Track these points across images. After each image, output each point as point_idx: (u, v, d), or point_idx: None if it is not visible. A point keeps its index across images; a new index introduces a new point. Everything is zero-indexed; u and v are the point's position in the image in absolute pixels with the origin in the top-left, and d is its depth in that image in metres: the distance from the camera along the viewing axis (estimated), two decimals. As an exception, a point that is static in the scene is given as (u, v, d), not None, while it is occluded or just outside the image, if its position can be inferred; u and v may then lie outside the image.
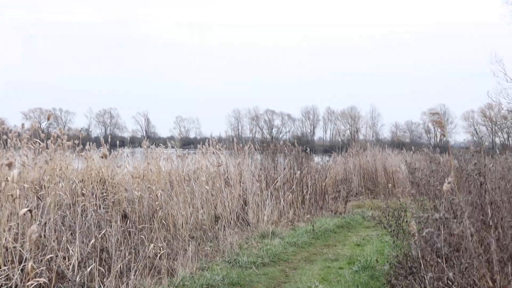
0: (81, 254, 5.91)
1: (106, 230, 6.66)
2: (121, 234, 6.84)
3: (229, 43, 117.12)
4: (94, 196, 8.41)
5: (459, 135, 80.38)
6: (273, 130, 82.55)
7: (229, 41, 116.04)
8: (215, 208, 9.86)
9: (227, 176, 10.79)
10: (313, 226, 9.75)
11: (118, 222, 7.10)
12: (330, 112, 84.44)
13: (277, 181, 10.93)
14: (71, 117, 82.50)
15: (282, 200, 10.75)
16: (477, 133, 78.43)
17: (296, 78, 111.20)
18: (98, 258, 5.89)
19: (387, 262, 6.87)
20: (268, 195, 10.48)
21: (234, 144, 11.89)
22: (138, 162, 10.93)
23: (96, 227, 6.75)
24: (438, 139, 79.75)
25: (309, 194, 11.69)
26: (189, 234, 8.79)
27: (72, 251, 5.91)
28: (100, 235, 6.50)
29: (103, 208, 8.01)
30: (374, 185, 18.49)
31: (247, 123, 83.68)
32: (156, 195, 9.09)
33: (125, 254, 6.27)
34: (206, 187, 9.94)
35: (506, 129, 76.09)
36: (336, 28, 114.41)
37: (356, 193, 16.92)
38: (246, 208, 10.15)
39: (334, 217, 11.46)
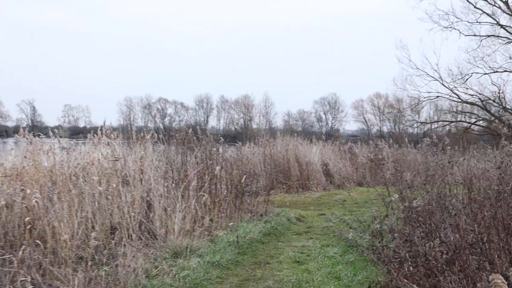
0: None
1: None
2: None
3: (127, 33, 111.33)
4: None
5: (349, 124, 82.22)
6: (165, 119, 79.75)
7: (127, 31, 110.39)
8: (111, 215, 7.59)
9: (126, 174, 8.51)
10: (237, 236, 7.79)
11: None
12: (224, 101, 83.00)
13: (192, 179, 8.81)
14: None
15: (194, 203, 8.65)
16: (366, 122, 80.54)
17: (190, 67, 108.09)
18: None
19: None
20: (178, 196, 8.36)
21: (133, 132, 9.57)
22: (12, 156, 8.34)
23: None
24: (329, 128, 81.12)
25: (227, 193, 9.68)
26: (76, 254, 6.52)
27: None
28: None
29: None
30: (286, 178, 16.87)
31: (139, 112, 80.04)
32: (37, 202, 6.69)
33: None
34: (99, 188, 7.63)
35: (393, 117, 78.82)
36: (231, 17, 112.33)
37: (270, 188, 15.14)
38: (151, 214, 7.96)
39: (257, 221, 9.58)
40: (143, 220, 7.72)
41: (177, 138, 10.35)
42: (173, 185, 8.68)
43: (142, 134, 9.75)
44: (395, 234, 5.95)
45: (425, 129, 64.77)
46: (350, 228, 7.25)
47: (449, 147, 10.02)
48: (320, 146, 19.47)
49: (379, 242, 5.97)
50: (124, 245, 6.84)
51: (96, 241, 6.77)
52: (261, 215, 10.27)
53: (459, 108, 32.47)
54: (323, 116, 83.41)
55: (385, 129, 79.81)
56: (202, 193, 8.91)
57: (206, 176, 9.34)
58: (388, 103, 78.48)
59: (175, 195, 8.40)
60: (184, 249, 6.92)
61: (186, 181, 8.87)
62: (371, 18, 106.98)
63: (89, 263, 6.17)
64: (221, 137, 11.82)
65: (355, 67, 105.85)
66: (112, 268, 6.11)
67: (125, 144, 9.60)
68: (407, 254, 5.32)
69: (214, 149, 10.49)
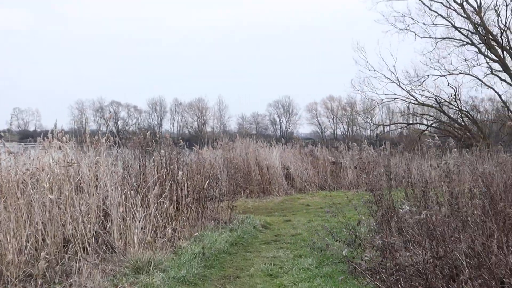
0: None
1: None
2: None
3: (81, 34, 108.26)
4: None
5: (303, 127, 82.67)
6: (119, 122, 78.12)
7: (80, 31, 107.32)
8: (64, 227, 6.86)
9: (80, 180, 7.79)
10: (203, 248, 7.19)
11: None
12: (178, 104, 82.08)
13: (152, 186, 8.14)
14: None
15: (155, 211, 8.00)
16: (320, 124, 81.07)
17: (143, 69, 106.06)
18: None
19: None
20: (137, 204, 7.70)
21: (87, 135, 8.83)
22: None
23: None
24: (284, 131, 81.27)
25: (189, 200, 9.04)
26: (24, 271, 5.81)
27: None
28: None
29: None
30: (247, 183, 16.34)
31: (91, 115, 78.05)
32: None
33: None
34: (51, 196, 6.89)
35: (346, 120, 79.65)
36: (180, 20, 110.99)
37: (234, 193, 14.55)
38: (108, 225, 7.27)
39: (221, 230, 9.00)
40: (100, 231, 7.03)
41: (134, 141, 9.66)
42: (132, 192, 8.02)
43: (96, 137, 9.04)
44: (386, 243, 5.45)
45: (378, 132, 65.48)
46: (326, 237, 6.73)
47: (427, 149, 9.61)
48: (281, 149, 19.02)
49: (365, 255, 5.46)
50: (79, 260, 6.17)
51: (48, 256, 6.07)
52: (225, 223, 9.70)
53: (417, 111, 32.58)
54: (277, 119, 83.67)
55: (338, 131, 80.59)
56: (163, 200, 8.27)
57: (167, 182, 8.70)
58: (341, 106, 79.44)
59: (134, 203, 7.74)
60: (146, 263, 6.28)
61: (146, 188, 8.22)
62: (327, 19, 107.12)
63: (39, 282, 5.49)
64: (181, 140, 11.15)
65: (309, 70, 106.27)
66: (65, 287, 5.44)
67: (78, 148, 8.86)
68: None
69: (175, 152, 9.85)
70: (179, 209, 8.66)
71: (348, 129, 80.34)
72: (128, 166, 8.90)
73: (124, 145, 10.14)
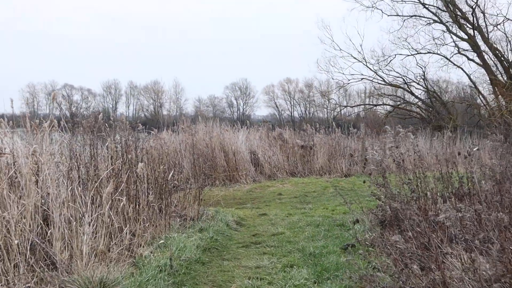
0: None
1: None
2: None
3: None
4: None
5: (260, 109, 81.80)
6: (72, 106, 75.04)
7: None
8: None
9: (15, 173, 6.22)
10: (170, 258, 5.75)
11: None
12: (133, 87, 79.49)
13: (106, 179, 6.63)
14: None
15: (109, 210, 6.50)
16: (277, 107, 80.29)
17: (96, 51, 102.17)
18: None
19: None
20: (87, 202, 6.19)
21: (26, 119, 7.22)
22: None
23: None
24: (241, 113, 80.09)
25: (151, 195, 7.56)
26: None
27: None
28: None
29: None
30: (212, 170, 14.90)
31: (43, 99, 74.62)
32: None
33: None
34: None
35: (303, 102, 79.03)
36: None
37: (203, 184, 13.10)
38: (49, 231, 5.75)
39: (189, 229, 7.59)
40: (37, 240, 5.50)
41: (84, 125, 8.09)
42: (80, 187, 6.50)
43: (37, 121, 7.47)
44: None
45: (335, 114, 65.28)
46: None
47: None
48: (246, 133, 17.63)
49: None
50: (8, 283, 4.67)
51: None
52: (193, 220, 8.28)
53: (385, 91, 31.66)
54: (234, 102, 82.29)
55: (296, 114, 79.98)
56: (119, 197, 6.78)
57: (124, 174, 7.20)
58: (298, 88, 78.77)
59: (82, 201, 6.24)
60: (97, 285, 4.82)
61: (98, 182, 6.71)
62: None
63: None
64: (139, 124, 9.63)
65: (268, 51, 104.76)
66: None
67: (16, 134, 7.28)
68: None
69: (132, 138, 8.35)
70: (138, 207, 7.18)
71: (306, 111, 79.71)
72: (76, 155, 7.36)
73: (72, 131, 8.58)
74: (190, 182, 9.87)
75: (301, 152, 17.46)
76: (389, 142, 6.67)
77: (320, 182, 14.89)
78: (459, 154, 8.79)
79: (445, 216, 3.64)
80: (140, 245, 6.44)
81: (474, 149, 6.05)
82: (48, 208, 6.01)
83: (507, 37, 24.53)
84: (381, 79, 27.98)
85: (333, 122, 20.23)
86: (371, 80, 28.25)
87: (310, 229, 7.97)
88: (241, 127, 18.19)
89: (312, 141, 17.90)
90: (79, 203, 6.18)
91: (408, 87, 27.98)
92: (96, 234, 6.08)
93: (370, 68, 27.72)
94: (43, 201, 6.14)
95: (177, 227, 7.67)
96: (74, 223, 5.84)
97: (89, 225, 5.94)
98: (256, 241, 7.33)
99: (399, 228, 5.69)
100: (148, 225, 7.04)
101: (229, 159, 15.35)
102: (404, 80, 27.56)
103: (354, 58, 27.78)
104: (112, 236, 6.36)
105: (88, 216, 5.99)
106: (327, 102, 53.29)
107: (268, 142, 17.43)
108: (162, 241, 6.50)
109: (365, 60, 27.55)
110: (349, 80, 28.60)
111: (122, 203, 6.74)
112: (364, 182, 6.95)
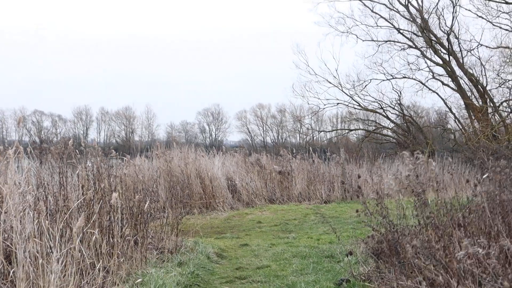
0: None
1: None
2: None
3: None
4: None
5: (232, 135, 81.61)
6: (42, 132, 73.61)
7: None
8: None
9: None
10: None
11: None
12: (104, 113, 78.65)
13: (76, 210, 6.04)
14: None
15: (79, 245, 5.90)
16: (249, 132, 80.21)
17: (67, 76, 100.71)
18: None
19: None
20: (56, 237, 5.59)
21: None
22: None
23: None
24: (213, 139, 79.71)
25: (126, 228, 6.98)
26: None
27: None
28: None
29: None
30: (188, 197, 14.30)
31: (12, 125, 73.06)
32: None
33: None
34: None
35: (275, 128, 79.10)
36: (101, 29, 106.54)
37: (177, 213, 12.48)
38: (12, 270, 5.13)
39: (168, 264, 7.02)
40: (-2, 281, 4.90)
41: (52, 152, 7.51)
42: (48, 219, 5.91)
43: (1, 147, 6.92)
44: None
45: (308, 139, 65.21)
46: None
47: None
48: (223, 158, 17.11)
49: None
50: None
51: None
52: (171, 253, 7.71)
53: (360, 116, 31.58)
54: (207, 127, 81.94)
55: (268, 139, 79.92)
56: (91, 230, 6.20)
57: (96, 204, 6.62)
58: (271, 113, 78.88)
59: (50, 235, 5.65)
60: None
61: (67, 213, 6.13)
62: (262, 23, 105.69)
63: None
64: (112, 150, 9.08)
65: (240, 77, 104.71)
66: None
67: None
68: None
69: (105, 165, 7.79)
70: (112, 239, 6.59)
71: (278, 136, 79.73)
72: (44, 184, 6.77)
73: (41, 158, 7.99)
74: (167, 212, 9.29)
75: (279, 178, 17.00)
76: (408, 170, 6.18)
77: (300, 209, 14.43)
78: (467, 181, 8.34)
79: (466, 252, 3.17)
80: (115, 283, 5.85)
81: (484, 176, 5.59)
82: (11, 244, 5.42)
83: (481, 62, 24.69)
84: (357, 104, 27.87)
85: (310, 147, 19.85)
86: (347, 105, 28.13)
87: (297, 261, 7.47)
88: (217, 153, 17.69)
89: (290, 166, 17.47)
90: (46, 237, 5.59)
91: (384, 111, 27.92)
92: (65, 272, 5.49)
93: (345, 93, 27.61)
94: (5, 235, 5.55)
95: (154, 261, 7.09)
96: (41, 260, 5.25)
97: (58, 262, 5.35)
98: (241, 276, 6.78)
99: (399, 261, 5.23)
100: (123, 260, 6.45)
101: (206, 186, 14.79)
102: (379, 104, 27.50)
103: (330, 82, 27.64)
104: (84, 273, 5.77)
105: (57, 252, 5.41)
106: (300, 127, 53.03)
107: (245, 168, 16.92)
108: (139, 279, 5.90)
109: (340, 85, 27.44)
110: (324, 105, 28.39)
111: (94, 237, 6.16)
112: (357, 211, 6.49)
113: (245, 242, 9.40)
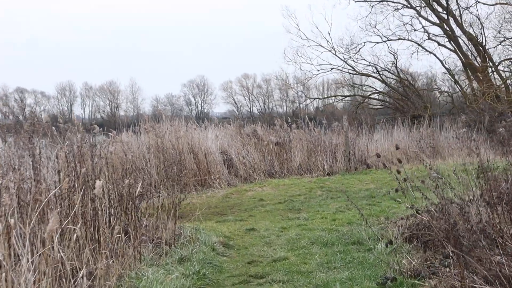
0: None
1: None
2: None
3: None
4: None
5: (218, 106, 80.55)
6: (25, 110, 71.85)
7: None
8: None
9: None
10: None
11: None
12: (88, 88, 77.05)
13: (52, 200, 4.83)
14: None
15: (57, 244, 4.72)
16: (236, 103, 79.16)
17: (47, 52, 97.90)
18: None
19: None
20: (26, 236, 4.41)
21: None
22: None
23: None
24: (199, 111, 78.57)
25: (114, 220, 5.79)
26: None
27: None
28: None
29: None
30: (180, 174, 13.09)
31: (-5, 104, 71.18)
32: None
33: None
34: None
35: (262, 98, 78.08)
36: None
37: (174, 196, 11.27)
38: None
39: (167, 260, 5.87)
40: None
41: (24, 129, 6.25)
42: (17, 215, 4.73)
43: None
44: None
45: (294, 108, 64.68)
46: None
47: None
48: (216, 131, 15.89)
49: None
50: None
51: None
52: (169, 245, 6.55)
53: (355, 81, 30.36)
54: (192, 100, 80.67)
55: (255, 109, 78.93)
56: (73, 226, 5.01)
57: (77, 193, 5.43)
58: (256, 83, 77.76)
59: (19, 235, 4.48)
60: None
61: (41, 206, 4.93)
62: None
63: None
64: (95, 125, 7.84)
65: (225, 47, 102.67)
66: None
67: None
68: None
69: (87, 144, 6.56)
70: (98, 235, 5.42)
71: (265, 106, 78.70)
72: (11, 169, 5.57)
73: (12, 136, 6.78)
74: (161, 194, 8.11)
75: (276, 150, 15.83)
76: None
77: (303, 183, 13.32)
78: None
79: None
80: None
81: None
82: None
83: (479, 20, 23.50)
84: (351, 68, 26.61)
85: (306, 116, 18.69)
86: (341, 70, 26.89)
87: (318, 250, 6.34)
88: (210, 124, 16.46)
89: (288, 137, 16.29)
90: (14, 238, 4.42)
91: (380, 75, 26.70)
92: (39, 282, 4.33)
93: (339, 57, 26.36)
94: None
95: (150, 257, 5.94)
96: (6, 266, 4.09)
97: (28, 270, 4.19)
98: (256, 273, 5.60)
99: (463, 252, 4.10)
100: (113, 261, 5.28)
101: (200, 162, 13.62)
102: (376, 68, 26.25)
103: (322, 47, 26.38)
104: (64, 281, 4.60)
105: (27, 258, 4.23)
106: (287, 96, 51.81)
107: (241, 140, 15.71)
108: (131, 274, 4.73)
109: (334, 49, 26.18)
110: (318, 70, 27.12)
111: (76, 234, 4.98)
112: (388, 193, 5.32)
113: (251, 226, 8.27)
